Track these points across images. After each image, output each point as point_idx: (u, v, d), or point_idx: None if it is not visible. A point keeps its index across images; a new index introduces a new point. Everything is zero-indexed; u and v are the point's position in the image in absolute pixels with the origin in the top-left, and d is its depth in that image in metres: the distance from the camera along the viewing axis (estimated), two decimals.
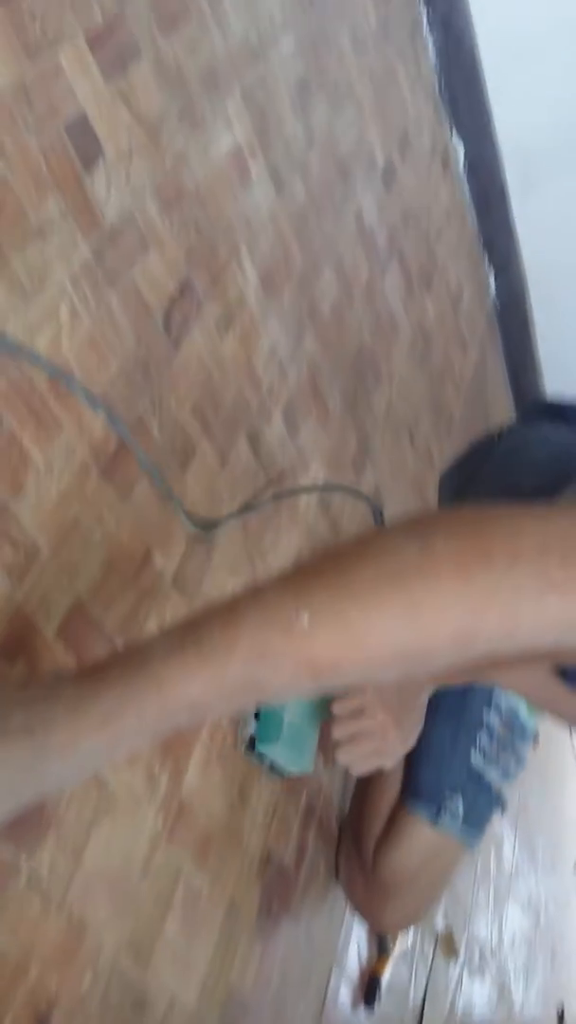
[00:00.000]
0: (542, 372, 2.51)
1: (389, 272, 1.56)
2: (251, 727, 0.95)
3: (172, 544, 0.86)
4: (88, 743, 0.45)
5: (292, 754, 0.95)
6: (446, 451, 1.85)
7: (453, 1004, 1.60)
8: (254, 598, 0.45)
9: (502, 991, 1.99)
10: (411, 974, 1.40)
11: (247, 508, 0.98)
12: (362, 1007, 1.19)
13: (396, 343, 1.59)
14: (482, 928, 1.86)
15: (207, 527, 0.90)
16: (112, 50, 0.84)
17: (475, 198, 2.16)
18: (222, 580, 0.94)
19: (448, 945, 1.58)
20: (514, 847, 2.27)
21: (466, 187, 2.13)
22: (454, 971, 1.61)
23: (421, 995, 1.44)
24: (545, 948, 2.59)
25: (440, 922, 1.56)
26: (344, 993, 1.15)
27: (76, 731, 0.44)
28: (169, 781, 0.80)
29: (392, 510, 1.51)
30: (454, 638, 0.43)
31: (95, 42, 0.82)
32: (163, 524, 0.84)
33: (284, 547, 1.10)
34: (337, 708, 0.86)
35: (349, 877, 1.11)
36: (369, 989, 1.21)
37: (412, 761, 1.03)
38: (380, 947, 1.26)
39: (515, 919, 2.20)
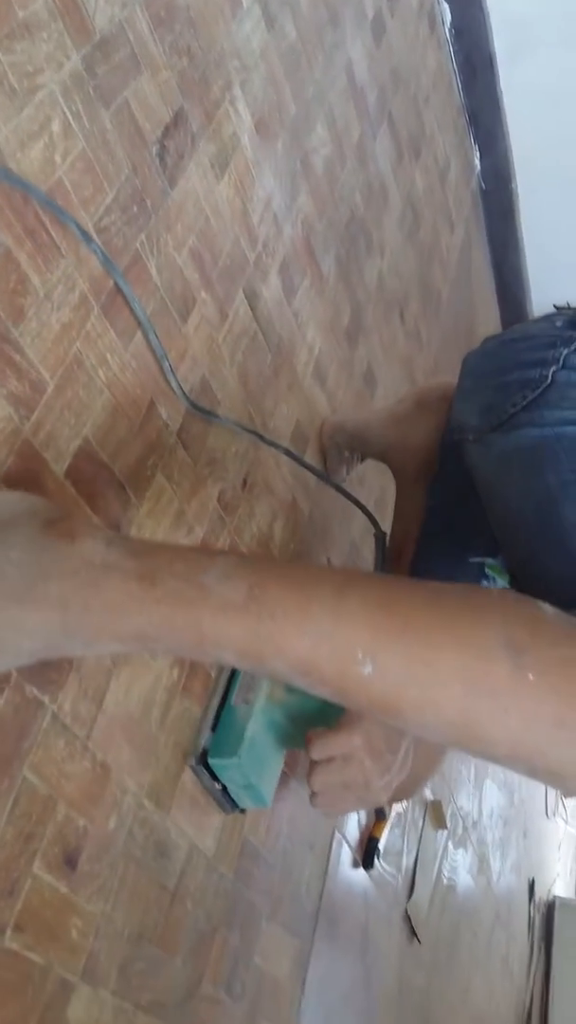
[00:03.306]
0: (525, 256, 2.44)
1: (380, 135, 1.48)
2: (205, 738, 0.78)
3: (176, 399, 0.81)
4: (116, 645, 0.44)
5: (249, 777, 0.78)
6: (435, 334, 1.80)
7: (440, 870, 1.67)
8: (334, 606, 0.42)
9: (482, 862, 2.08)
10: (404, 840, 1.44)
11: (246, 428, 0.93)
12: (361, 868, 1.23)
13: (387, 212, 1.51)
14: (464, 801, 1.93)
15: (203, 411, 0.85)
16: None
17: (461, 66, 2.05)
18: (225, 442, 0.91)
19: (437, 816, 1.63)
20: None
21: (452, 53, 2.01)
22: (441, 840, 1.67)
23: (412, 860, 1.49)
24: (518, 826, 2.70)
25: (428, 793, 1.61)
26: (346, 853, 1.18)
27: (108, 631, 0.43)
28: None
29: (384, 388, 1.47)
30: (511, 755, 0.42)
31: None
32: (167, 376, 0.80)
33: (284, 416, 1.06)
34: (315, 753, 0.75)
35: None
36: (368, 850, 1.24)
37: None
38: (378, 812, 1.29)
39: (493, 796, 2.28)
